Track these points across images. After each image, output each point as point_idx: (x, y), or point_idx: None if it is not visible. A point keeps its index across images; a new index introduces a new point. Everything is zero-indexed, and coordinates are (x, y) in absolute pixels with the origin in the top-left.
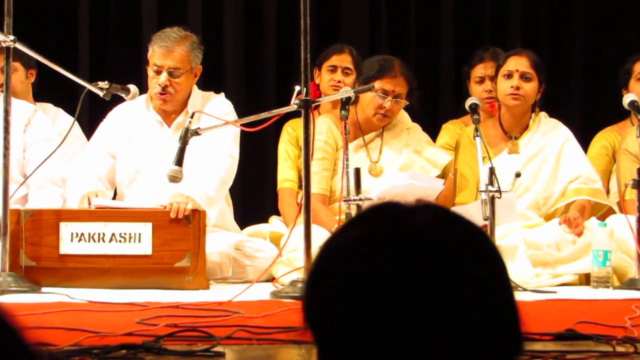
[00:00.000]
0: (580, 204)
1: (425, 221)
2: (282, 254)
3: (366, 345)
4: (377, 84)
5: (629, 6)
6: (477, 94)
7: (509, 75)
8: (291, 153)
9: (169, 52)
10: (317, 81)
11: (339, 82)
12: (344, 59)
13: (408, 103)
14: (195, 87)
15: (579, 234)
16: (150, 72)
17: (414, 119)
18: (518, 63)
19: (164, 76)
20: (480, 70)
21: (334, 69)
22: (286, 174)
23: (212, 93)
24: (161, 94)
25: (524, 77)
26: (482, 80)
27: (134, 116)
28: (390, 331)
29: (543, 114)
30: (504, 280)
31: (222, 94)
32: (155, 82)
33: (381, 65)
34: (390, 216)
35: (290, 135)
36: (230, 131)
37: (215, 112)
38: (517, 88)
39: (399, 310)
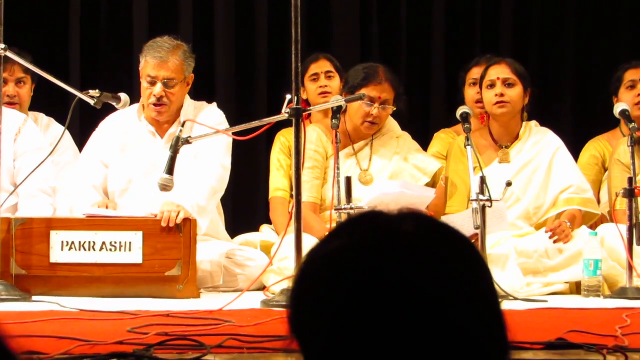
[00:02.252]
0: (571, 213)
1: (409, 230)
2: (273, 263)
3: (351, 354)
4: (363, 92)
5: (620, 14)
6: (470, 96)
7: (492, 85)
8: (283, 162)
9: (163, 62)
10: (304, 97)
11: (325, 86)
12: (322, 65)
13: (396, 109)
14: (187, 97)
15: (566, 241)
16: (144, 83)
17: (406, 128)
18: (498, 71)
19: (159, 87)
20: (475, 72)
21: (316, 77)
22: (278, 183)
23: (204, 103)
24: (156, 105)
25: (506, 83)
26: (476, 83)
27: (125, 126)
28: (375, 339)
29: (534, 123)
30: (489, 288)
31: (215, 104)
32: (150, 93)
33: (366, 73)
34: (374, 225)
35: (282, 145)
36: (222, 141)
37: (208, 121)
38: (502, 95)
39: (383, 319)
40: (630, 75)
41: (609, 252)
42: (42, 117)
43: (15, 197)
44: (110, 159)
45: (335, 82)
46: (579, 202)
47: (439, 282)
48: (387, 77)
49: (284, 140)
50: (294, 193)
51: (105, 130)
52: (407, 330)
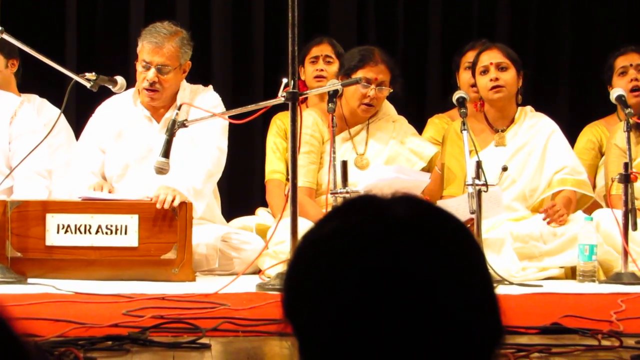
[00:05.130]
0: (566, 196)
1: (402, 213)
2: (268, 247)
3: (345, 338)
4: (360, 74)
5: (617, 0)
6: (465, 80)
7: (485, 71)
8: (279, 145)
9: (158, 48)
10: (302, 77)
11: (322, 70)
12: (323, 49)
13: (392, 90)
14: (183, 81)
15: (561, 223)
16: (139, 67)
17: (401, 112)
18: (491, 56)
19: (152, 72)
20: (470, 56)
21: (315, 60)
22: (274, 165)
23: (200, 86)
24: (149, 89)
25: (499, 67)
26: (471, 67)
27: (121, 111)
28: (368, 323)
29: (529, 108)
30: (483, 271)
31: (211, 87)
32: (144, 77)
33: (362, 55)
34: (368, 208)
35: (279, 128)
36: (218, 124)
37: (204, 105)
38: (496, 79)
39: (376, 302)
40: (621, 61)
41: (604, 237)
42: (34, 97)
43: (10, 180)
44: (107, 144)
45: (334, 67)
46: (573, 183)
47: (432, 266)
48: (383, 58)
49: (279, 123)
50: (289, 177)
51: (101, 115)
52: (400, 314)
